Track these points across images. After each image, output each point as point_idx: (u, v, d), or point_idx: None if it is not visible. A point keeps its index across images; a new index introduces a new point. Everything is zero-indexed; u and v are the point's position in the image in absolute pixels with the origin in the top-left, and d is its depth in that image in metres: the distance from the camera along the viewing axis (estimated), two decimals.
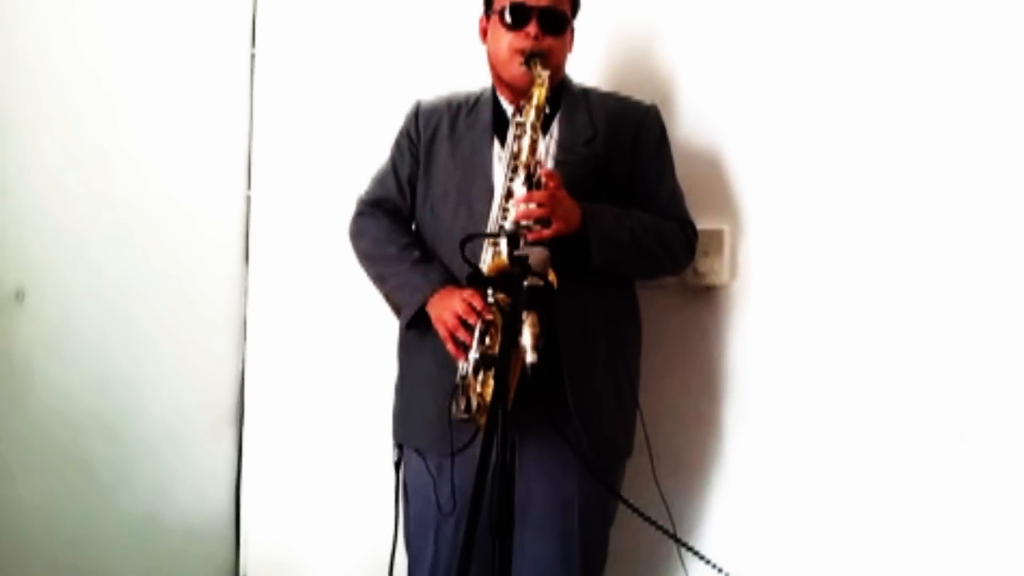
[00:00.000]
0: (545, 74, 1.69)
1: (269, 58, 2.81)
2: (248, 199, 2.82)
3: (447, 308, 1.67)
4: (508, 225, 1.61)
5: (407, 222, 1.91)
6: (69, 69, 2.33)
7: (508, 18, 1.75)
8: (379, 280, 1.87)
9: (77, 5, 2.37)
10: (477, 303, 1.63)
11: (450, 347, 1.66)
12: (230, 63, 2.78)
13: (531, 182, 1.61)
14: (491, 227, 1.67)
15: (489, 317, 1.61)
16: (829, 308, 1.91)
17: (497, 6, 1.79)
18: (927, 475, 1.78)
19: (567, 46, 1.83)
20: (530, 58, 1.72)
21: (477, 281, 1.50)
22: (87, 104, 2.37)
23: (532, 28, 1.74)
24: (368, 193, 1.95)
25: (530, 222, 1.58)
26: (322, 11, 2.69)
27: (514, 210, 1.61)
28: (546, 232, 1.59)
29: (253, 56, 2.83)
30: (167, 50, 2.58)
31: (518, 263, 1.38)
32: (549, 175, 1.62)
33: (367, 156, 2.03)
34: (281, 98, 2.78)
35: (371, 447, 2.09)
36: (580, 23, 1.88)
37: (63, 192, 2.31)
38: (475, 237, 1.63)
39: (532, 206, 1.59)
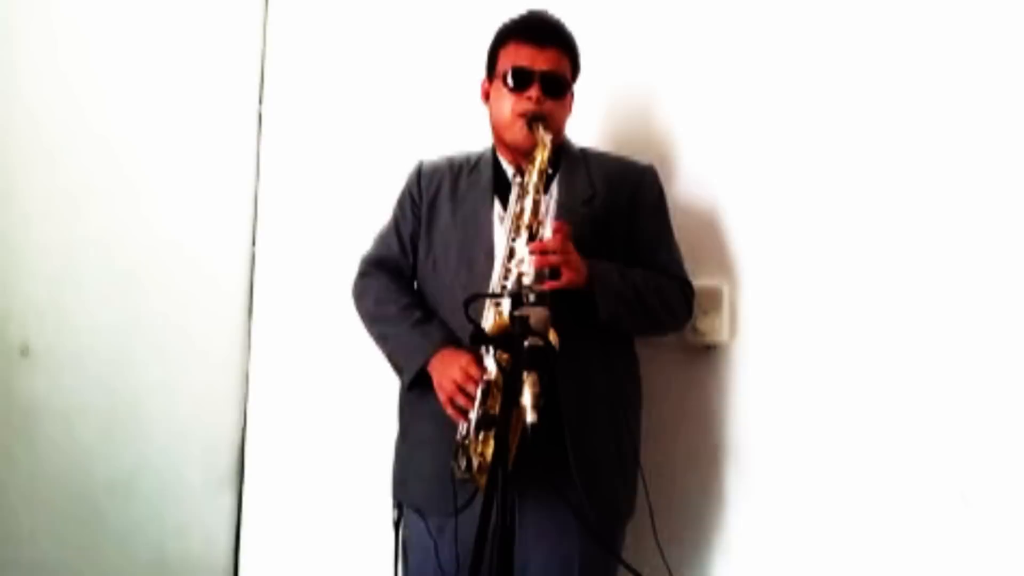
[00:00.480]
0: (548, 137, 1.72)
1: (276, 116, 2.86)
2: (253, 255, 2.84)
3: (446, 375, 1.68)
4: (511, 284, 1.62)
5: (409, 281, 1.93)
6: (76, 127, 2.37)
7: (511, 81, 1.80)
8: (381, 340, 1.88)
9: (86, 59, 2.41)
10: (475, 372, 1.64)
11: (450, 411, 1.67)
12: (238, 120, 2.83)
13: (533, 242, 1.62)
14: (493, 286, 1.68)
15: (489, 377, 1.62)
16: (830, 366, 1.91)
17: (500, 70, 1.83)
18: (929, 538, 1.76)
19: (567, 109, 1.87)
20: (532, 120, 1.76)
21: (480, 340, 1.50)
22: (93, 160, 2.41)
23: (534, 91, 1.78)
24: (371, 252, 1.97)
25: (541, 271, 1.58)
26: (328, 71, 2.75)
27: (516, 269, 1.62)
28: (560, 282, 1.60)
29: (260, 114, 2.88)
30: (175, 106, 2.63)
31: (518, 323, 1.39)
32: (558, 227, 1.63)
33: (370, 215, 2.05)
34: (287, 155, 2.82)
35: (371, 506, 2.08)
36: (581, 86, 1.92)
37: (67, 249, 2.33)
38: (479, 297, 1.63)
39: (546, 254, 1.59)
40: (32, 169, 2.26)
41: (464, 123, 2.10)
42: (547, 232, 1.65)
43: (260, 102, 2.88)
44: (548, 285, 1.57)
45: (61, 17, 2.34)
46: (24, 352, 2.23)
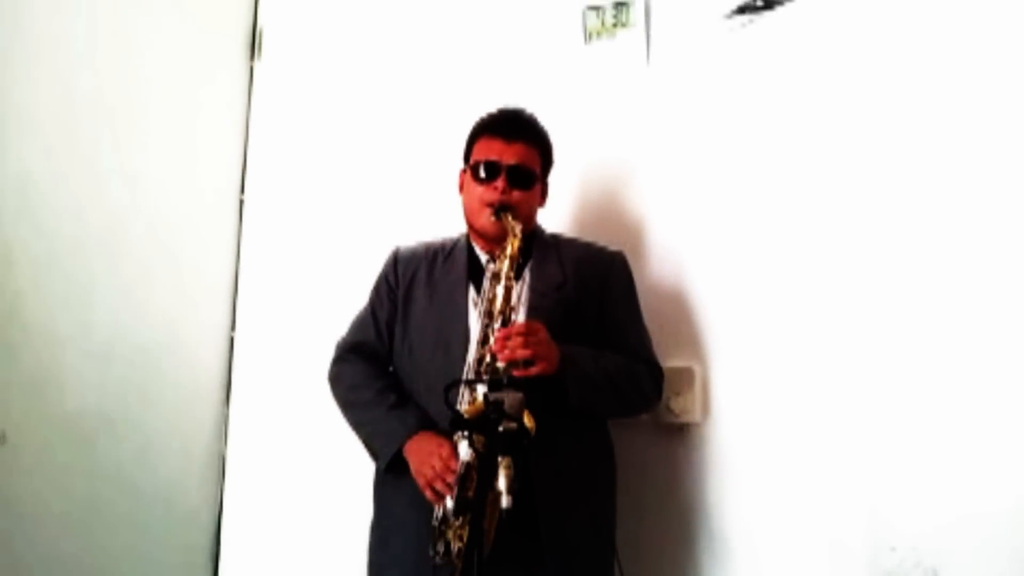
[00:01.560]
0: (518, 227, 1.79)
1: (256, 205, 2.92)
2: (231, 340, 2.86)
3: (426, 463, 1.69)
4: (485, 369, 1.66)
5: (385, 365, 1.96)
6: (59, 225, 2.40)
7: (480, 173, 1.88)
8: (356, 425, 1.90)
9: (77, 149, 2.47)
10: (453, 464, 1.65)
11: (428, 495, 1.68)
12: (220, 207, 2.89)
13: (499, 337, 1.66)
14: (468, 370, 1.72)
15: (467, 460, 1.63)
16: (802, 444, 1.93)
17: (472, 162, 1.91)
18: None
19: (536, 199, 1.94)
20: (500, 210, 1.83)
21: (458, 425, 1.52)
22: (74, 252, 2.43)
23: (500, 183, 1.86)
24: (347, 337, 2.00)
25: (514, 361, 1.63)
26: (307, 160, 2.82)
27: (490, 354, 1.66)
28: (531, 371, 1.64)
29: (242, 202, 2.94)
30: (158, 195, 2.67)
31: (493, 407, 1.42)
32: (530, 326, 1.68)
33: (347, 301, 2.08)
34: (267, 243, 2.87)
35: None
36: (555, 171, 1.98)
37: (46, 338, 2.35)
38: (457, 384, 1.67)
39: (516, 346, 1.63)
40: (16, 264, 2.30)
41: (440, 210, 2.16)
42: (519, 317, 1.69)
43: (242, 191, 2.94)
44: (518, 373, 1.61)
45: (44, 117, 2.40)
46: (1, 440, 2.23)
